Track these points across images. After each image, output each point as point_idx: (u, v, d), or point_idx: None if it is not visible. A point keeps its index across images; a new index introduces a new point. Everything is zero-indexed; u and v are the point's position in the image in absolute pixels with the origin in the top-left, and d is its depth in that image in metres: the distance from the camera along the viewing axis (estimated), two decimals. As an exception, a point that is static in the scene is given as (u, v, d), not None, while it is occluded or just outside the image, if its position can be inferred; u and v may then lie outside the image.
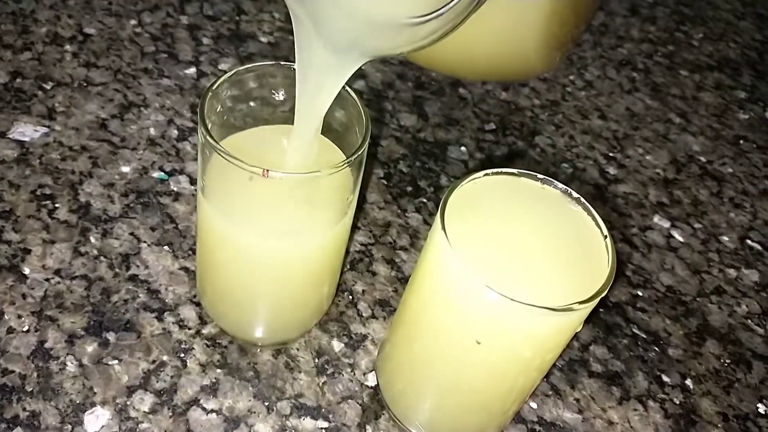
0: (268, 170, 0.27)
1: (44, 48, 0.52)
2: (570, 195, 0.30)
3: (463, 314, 0.27)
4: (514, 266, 0.28)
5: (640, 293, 0.47)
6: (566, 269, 0.28)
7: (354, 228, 0.45)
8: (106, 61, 0.52)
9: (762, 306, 0.48)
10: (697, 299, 0.48)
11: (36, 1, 0.56)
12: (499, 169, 0.30)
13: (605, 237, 0.28)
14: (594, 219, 0.29)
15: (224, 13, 0.59)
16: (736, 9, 0.80)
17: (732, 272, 0.50)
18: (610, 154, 0.56)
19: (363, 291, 0.42)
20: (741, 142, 0.61)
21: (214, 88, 0.29)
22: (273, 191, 0.29)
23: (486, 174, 0.29)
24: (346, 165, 0.28)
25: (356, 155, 0.29)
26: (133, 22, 0.56)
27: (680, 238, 0.51)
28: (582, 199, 0.29)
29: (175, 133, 0.48)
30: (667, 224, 0.52)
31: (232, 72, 0.30)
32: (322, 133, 0.31)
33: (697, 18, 0.76)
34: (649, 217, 0.52)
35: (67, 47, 0.52)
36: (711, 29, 0.75)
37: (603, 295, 0.26)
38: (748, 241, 0.53)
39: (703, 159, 0.59)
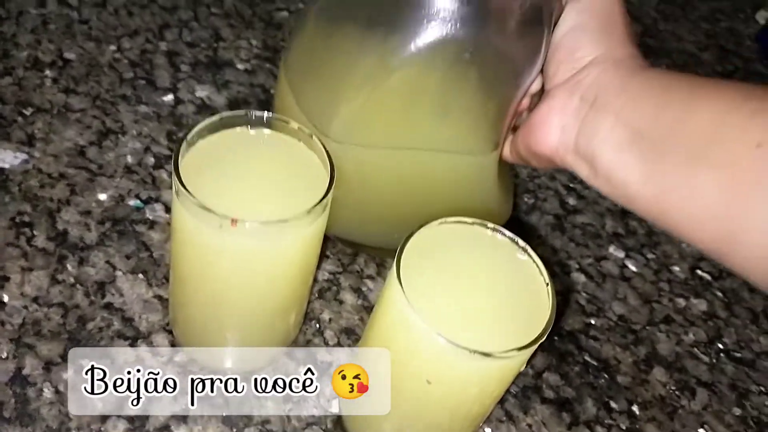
0: (235, 220, 0.29)
1: (24, 73, 0.53)
2: (517, 243, 0.32)
3: (415, 357, 0.29)
4: (463, 312, 0.30)
5: (593, 321, 0.49)
6: (511, 315, 0.30)
7: (322, 257, 0.48)
8: (86, 87, 0.54)
9: (708, 335, 0.51)
10: (647, 328, 0.50)
11: (17, 24, 0.57)
12: (454, 218, 0.32)
13: (547, 284, 0.30)
14: (538, 267, 0.31)
15: (203, 39, 0.60)
16: (700, 41, 0.83)
17: (681, 301, 0.53)
18: (570, 185, 0.59)
19: (330, 319, 0.45)
20: (696, 173, 0.65)
21: (188, 138, 0.31)
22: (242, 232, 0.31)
23: (440, 222, 0.32)
24: (313, 209, 0.31)
25: (322, 200, 0.31)
26: (112, 47, 0.57)
27: (633, 268, 0.54)
28: (528, 248, 0.32)
29: (151, 160, 0.50)
30: (621, 254, 0.55)
31: (204, 124, 0.32)
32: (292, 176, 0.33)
33: (662, 50, 0.79)
34: (604, 247, 0.55)
35: (47, 72, 0.54)
36: (674, 61, 0.78)
37: (541, 341, 0.29)
38: (698, 271, 0.56)
39: (659, 190, 0.61)
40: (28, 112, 0.51)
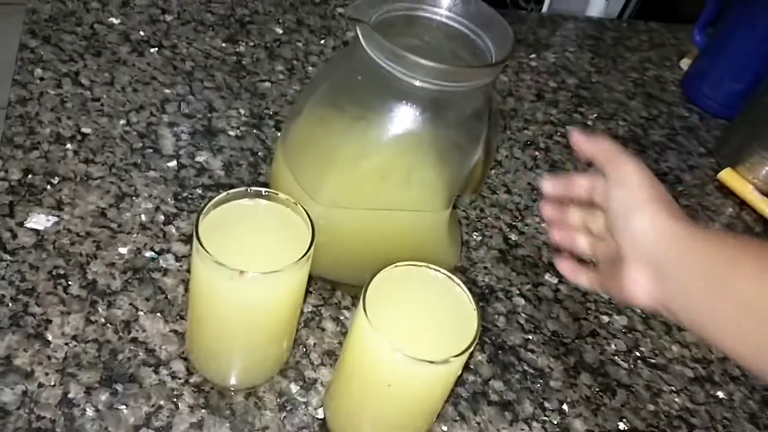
0: (243, 272, 0.39)
1: (49, 147, 0.63)
2: (453, 280, 0.43)
3: (379, 367, 0.40)
4: (414, 332, 0.41)
5: (530, 337, 0.60)
6: (449, 333, 0.41)
7: (306, 292, 0.58)
8: (102, 157, 0.64)
9: (628, 345, 0.62)
10: (576, 341, 0.61)
11: (39, 104, 0.67)
12: (406, 263, 0.43)
13: (474, 309, 0.41)
14: (468, 296, 0.42)
15: (198, 111, 0.71)
16: (628, 90, 0.96)
17: (605, 318, 0.64)
18: (513, 223, 0.70)
19: (314, 344, 0.55)
20: (621, 208, 0.76)
21: (203, 210, 0.42)
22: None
23: (395, 266, 0.42)
24: (300, 260, 0.41)
25: (307, 253, 0.42)
26: (122, 121, 0.68)
27: (565, 291, 0.65)
28: (461, 284, 0.42)
29: (162, 218, 0.60)
30: (555, 280, 0.66)
31: (216, 199, 0.43)
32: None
33: (594, 100, 0.92)
34: (541, 275, 0.66)
35: (69, 146, 0.64)
36: (604, 109, 0.90)
37: (470, 351, 0.39)
38: (621, 292, 0.67)
39: (589, 224, 0.73)
40: (55, 180, 0.61)
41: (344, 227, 0.52)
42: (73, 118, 0.67)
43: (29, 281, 0.53)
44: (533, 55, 0.97)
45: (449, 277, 0.43)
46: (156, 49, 0.77)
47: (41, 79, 0.70)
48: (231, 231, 0.43)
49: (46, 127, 0.65)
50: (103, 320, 0.52)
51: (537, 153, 0.79)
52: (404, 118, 0.46)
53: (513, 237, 0.69)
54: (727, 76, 0.94)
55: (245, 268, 0.39)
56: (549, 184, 0.48)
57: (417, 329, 0.41)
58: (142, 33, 0.78)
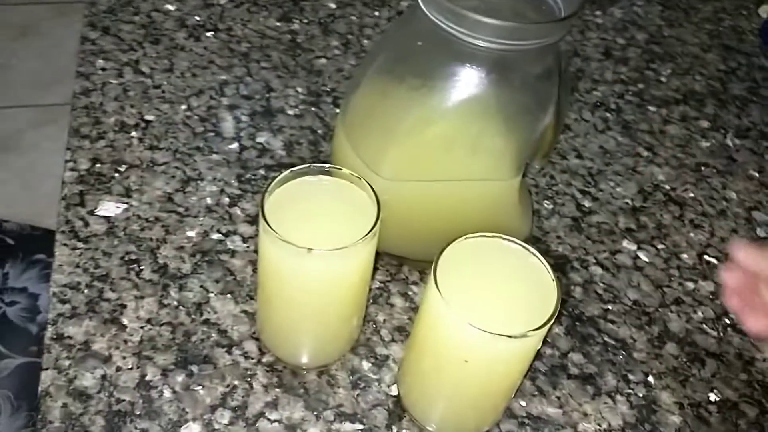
0: (311, 249, 0.38)
1: (115, 136, 0.64)
2: (528, 249, 0.41)
3: (453, 342, 0.38)
4: (489, 305, 0.39)
5: (610, 307, 0.57)
6: (526, 305, 0.39)
7: (374, 269, 0.57)
8: (166, 143, 0.64)
9: (716, 312, 0.59)
10: (659, 310, 0.58)
11: (103, 95, 0.68)
12: (477, 233, 0.41)
13: (553, 280, 0.39)
14: (545, 267, 0.40)
15: (256, 92, 0.71)
16: (703, 42, 0.90)
17: (690, 285, 0.60)
18: (585, 189, 0.67)
19: (384, 320, 0.54)
20: (702, 168, 0.72)
21: (268, 189, 0.41)
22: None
23: (466, 238, 0.41)
24: (367, 235, 0.40)
25: (373, 228, 0.40)
26: (183, 106, 0.68)
27: (645, 259, 0.62)
28: (537, 253, 0.40)
29: (227, 200, 0.60)
30: (634, 247, 0.62)
31: (280, 177, 0.42)
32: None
33: (666, 55, 0.86)
34: (618, 242, 0.62)
35: (133, 133, 0.65)
36: (678, 64, 0.85)
37: (551, 323, 0.37)
38: (706, 257, 0.63)
39: (667, 187, 0.69)
40: (122, 168, 0.61)
41: (409, 201, 0.50)
42: (135, 106, 0.67)
43: (103, 267, 0.54)
44: (598, 12, 0.92)
45: (524, 247, 0.41)
46: (212, 32, 0.77)
47: (103, 69, 0.71)
48: (296, 209, 0.42)
49: (110, 117, 0.66)
50: (175, 303, 0.52)
51: (608, 114, 0.75)
52: (468, 82, 0.44)
53: (586, 204, 0.65)
54: (815, 20, 0.86)
55: (312, 245, 0.38)
56: (742, 254, 0.45)
57: (491, 302, 0.39)
58: (197, 18, 0.78)
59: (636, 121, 0.75)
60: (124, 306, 0.52)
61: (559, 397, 0.51)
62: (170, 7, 0.79)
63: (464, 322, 0.36)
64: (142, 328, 0.51)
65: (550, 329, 0.49)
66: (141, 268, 0.54)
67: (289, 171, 0.42)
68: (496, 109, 0.46)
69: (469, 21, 0.41)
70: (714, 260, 0.63)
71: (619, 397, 0.52)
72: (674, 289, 0.60)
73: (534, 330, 0.36)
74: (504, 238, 0.41)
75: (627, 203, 0.66)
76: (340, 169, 0.43)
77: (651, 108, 0.77)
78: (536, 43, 0.43)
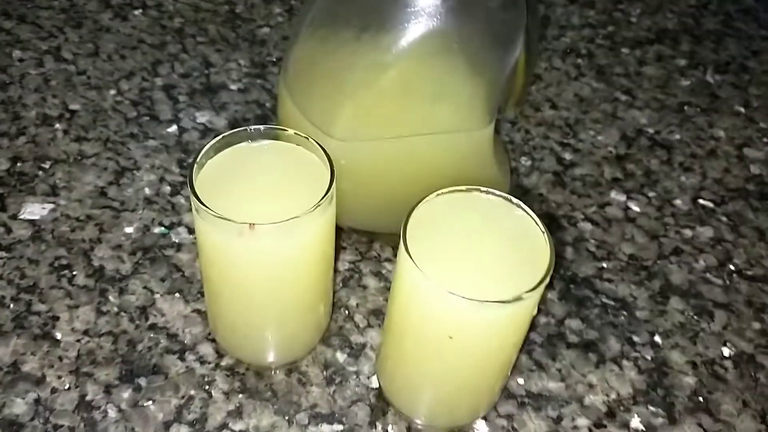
0: (253, 224, 0.32)
1: (36, 130, 0.57)
2: (511, 201, 0.35)
3: (434, 316, 0.32)
4: (471, 269, 0.33)
5: (605, 265, 0.52)
6: (514, 265, 0.33)
7: (340, 248, 0.51)
8: (95, 133, 0.57)
9: (718, 259, 0.54)
10: (658, 262, 0.53)
11: (21, 87, 0.61)
12: (449, 188, 0.35)
13: (543, 233, 0.33)
14: (533, 219, 0.34)
15: (194, 68, 0.64)
16: (670, -21, 0.85)
17: (688, 232, 0.55)
18: (564, 141, 0.61)
19: (357, 304, 0.47)
20: (685, 108, 0.66)
21: (197, 161, 0.34)
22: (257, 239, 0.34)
23: (437, 194, 0.34)
24: (320, 203, 0.33)
25: (327, 194, 0.34)
26: (112, 91, 0.61)
27: (636, 209, 0.56)
28: (521, 204, 0.34)
29: (168, 189, 0.53)
30: (623, 198, 0.57)
31: (210, 145, 0.35)
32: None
33: None
34: (606, 194, 0.57)
35: (57, 126, 0.57)
36: (648, 3, 0.80)
37: (546, 282, 0.31)
38: (700, 201, 0.58)
39: (651, 130, 0.64)
40: (46, 165, 0.54)
41: (369, 164, 0.44)
42: (58, 96, 0.60)
43: (30, 277, 0.47)
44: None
45: (506, 198, 0.35)
46: (140, 10, 0.69)
47: (21, 60, 0.63)
48: (235, 181, 0.36)
49: (31, 110, 0.59)
50: (116, 309, 0.46)
51: (579, 60, 0.70)
52: (423, 14, 0.37)
53: (567, 156, 0.60)
54: (785, -55, 0.81)
55: (255, 220, 0.32)
56: None
57: (474, 266, 0.33)
58: (123, -4, 0.71)
59: (610, 65, 0.70)
60: (56, 318, 0.45)
61: (560, 370, 0.45)
62: (92, -12, 0.71)
63: (444, 290, 0.30)
64: (78, 341, 0.44)
65: (543, 293, 0.43)
66: (74, 273, 0.47)
67: (221, 136, 0.35)
68: (458, 45, 0.39)
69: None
70: (710, 203, 0.58)
71: (625, 362, 0.46)
72: (671, 238, 0.55)
73: (528, 291, 0.30)
74: (482, 191, 0.35)
75: (610, 152, 0.61)
76: (285, 130, 0.37)
77: (624, 50, 0.72)
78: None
